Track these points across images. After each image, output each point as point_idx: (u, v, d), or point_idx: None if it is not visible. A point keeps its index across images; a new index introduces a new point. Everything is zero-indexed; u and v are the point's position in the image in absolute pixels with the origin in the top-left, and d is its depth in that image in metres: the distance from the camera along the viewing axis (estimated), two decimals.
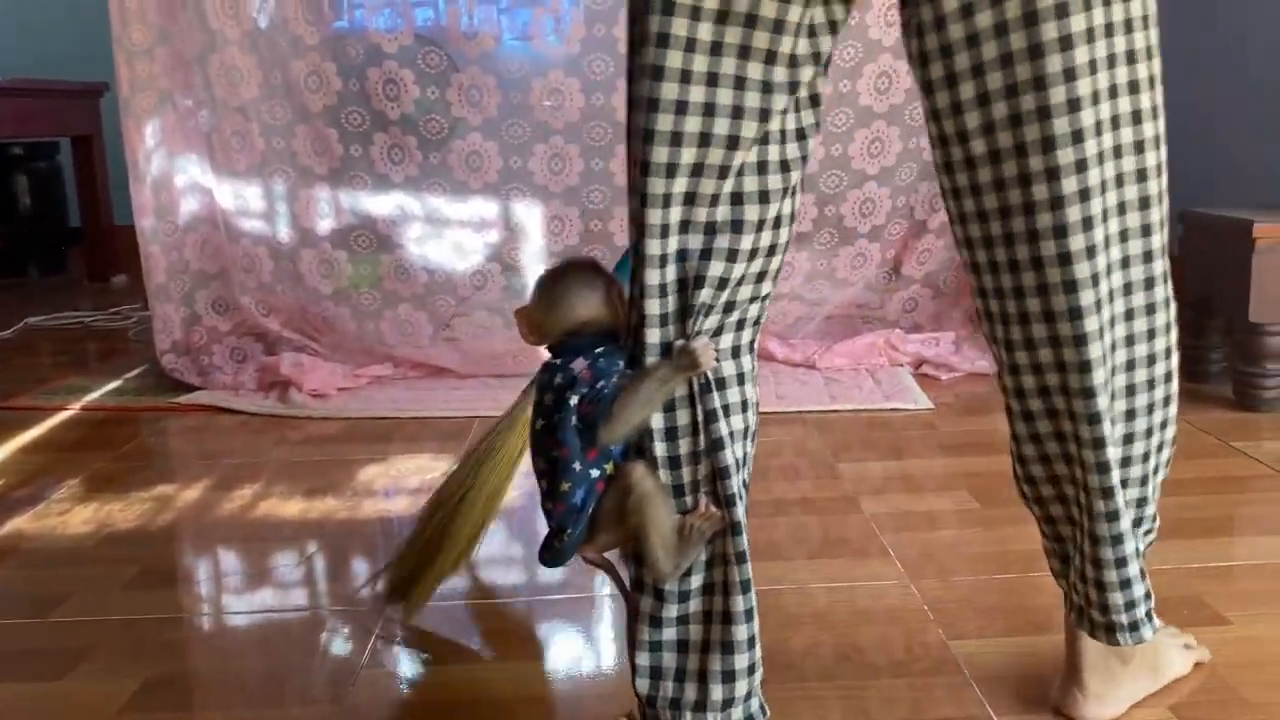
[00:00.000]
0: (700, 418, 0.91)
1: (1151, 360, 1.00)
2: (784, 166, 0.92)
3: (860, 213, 2.55)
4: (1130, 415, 1.00)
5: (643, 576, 0.94)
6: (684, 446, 0.91)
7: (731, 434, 0.92)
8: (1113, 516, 0.99)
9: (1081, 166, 0.89)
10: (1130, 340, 0.98)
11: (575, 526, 0.88)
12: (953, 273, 2.65)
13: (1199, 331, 2.31)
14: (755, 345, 0.97)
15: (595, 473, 0.88)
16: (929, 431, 2.10)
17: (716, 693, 0.93)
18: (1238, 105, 2.71)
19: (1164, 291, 0.99)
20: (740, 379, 0.94)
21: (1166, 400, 1.03)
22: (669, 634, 0.94)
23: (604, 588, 1.45)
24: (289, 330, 2.54)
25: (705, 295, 0.91)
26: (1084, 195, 0.90)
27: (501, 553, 1.60)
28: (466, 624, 1.39)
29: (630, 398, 0.85)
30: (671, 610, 0.93)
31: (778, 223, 0.94)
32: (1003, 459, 1.90)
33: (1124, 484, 1.00)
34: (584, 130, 2.44)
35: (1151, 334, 0.99)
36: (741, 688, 0.94)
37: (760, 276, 0.94)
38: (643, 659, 0.94)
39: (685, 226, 0.90)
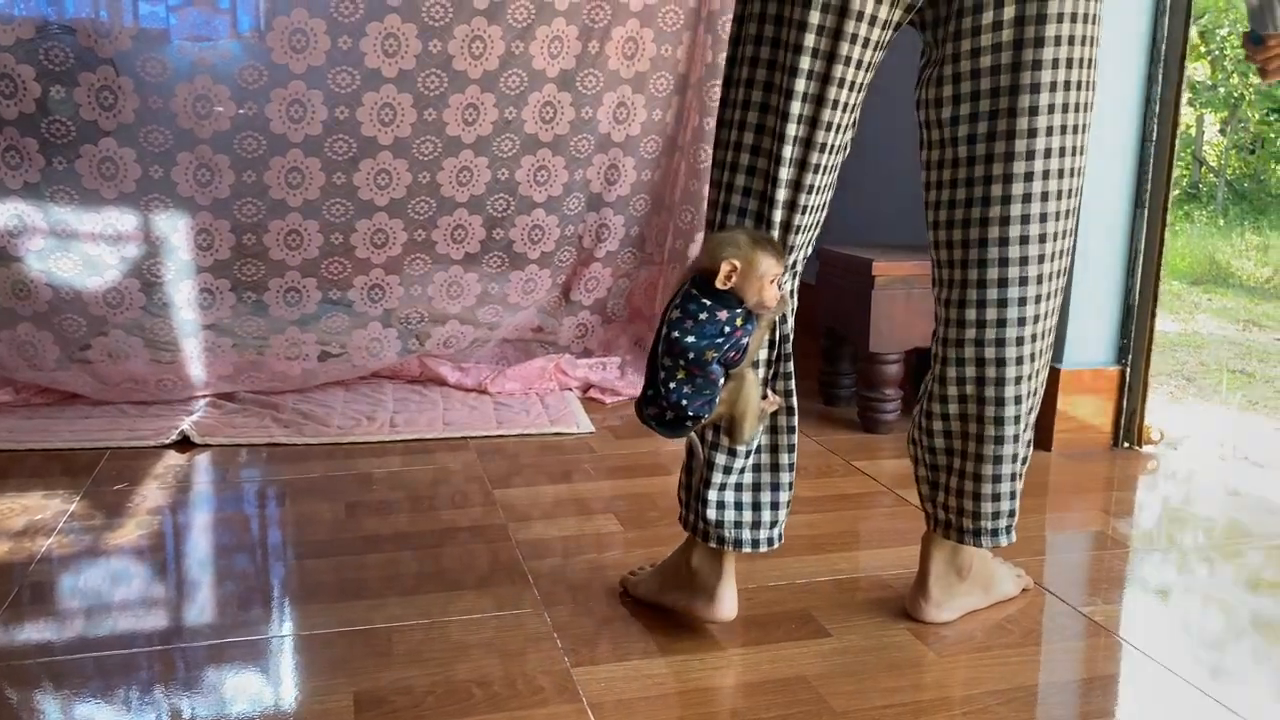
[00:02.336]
0: (777, 338, 1.31)
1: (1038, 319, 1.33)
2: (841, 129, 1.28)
3: (529, 239, 2.57)
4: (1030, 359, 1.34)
5: (719, 441, 1.32)
6: (762, 354, 1.30)
7: (790, 348, 1.34)
8: (999, 441, 1.33)
9: (1029, 178, 1.26)
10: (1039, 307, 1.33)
11: (709, 412, 1.21)
12: (622, 299, 2.72)
13: (832, 358, 2.50)
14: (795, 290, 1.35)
15: (725, 380, 1.21)
16: (587, 455, 2.14)
17: (765, 515, 1.36)
18: (869, 150, 2.97)
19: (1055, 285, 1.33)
20: (792, 311, 1.33)
21: (1041, 354, 1.35)
22: (734, 479, 1.34)
23: (272, 630, 1.35)
24: None
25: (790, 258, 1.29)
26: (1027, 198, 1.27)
27: (141, 596, 1.46)
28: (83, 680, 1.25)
29: (755, 341, 1.22)
30: (740, 463, 1.34)
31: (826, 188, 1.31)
32: (651, 481, 1.98)
33: (1015, 419, 1.33)
34: (235, 140, 2.30)
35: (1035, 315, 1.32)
36: (781, 514, 1.37)
37: (810, 242, 1.32)
38: (713, 495, 1.34)
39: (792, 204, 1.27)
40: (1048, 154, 1.25)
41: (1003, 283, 1.30)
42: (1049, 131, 1.24)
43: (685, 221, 2.56)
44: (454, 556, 1.63)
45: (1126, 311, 2.19)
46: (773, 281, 1.17)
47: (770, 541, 1.36)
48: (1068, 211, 1.30)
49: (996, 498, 1.35)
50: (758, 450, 1.35)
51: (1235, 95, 9.40)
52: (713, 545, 1.35)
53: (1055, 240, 1.30)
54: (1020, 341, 1.31)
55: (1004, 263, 1.29)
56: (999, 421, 1.33)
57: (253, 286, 2.41)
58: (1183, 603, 1.54)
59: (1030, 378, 1.33)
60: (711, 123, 2.49)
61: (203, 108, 2.26)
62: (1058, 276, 1.32)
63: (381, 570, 1.57)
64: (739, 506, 1.35)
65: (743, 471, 1.35)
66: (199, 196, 2.32)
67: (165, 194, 2.30)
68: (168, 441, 2.14)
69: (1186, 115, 10.09)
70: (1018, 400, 1.32)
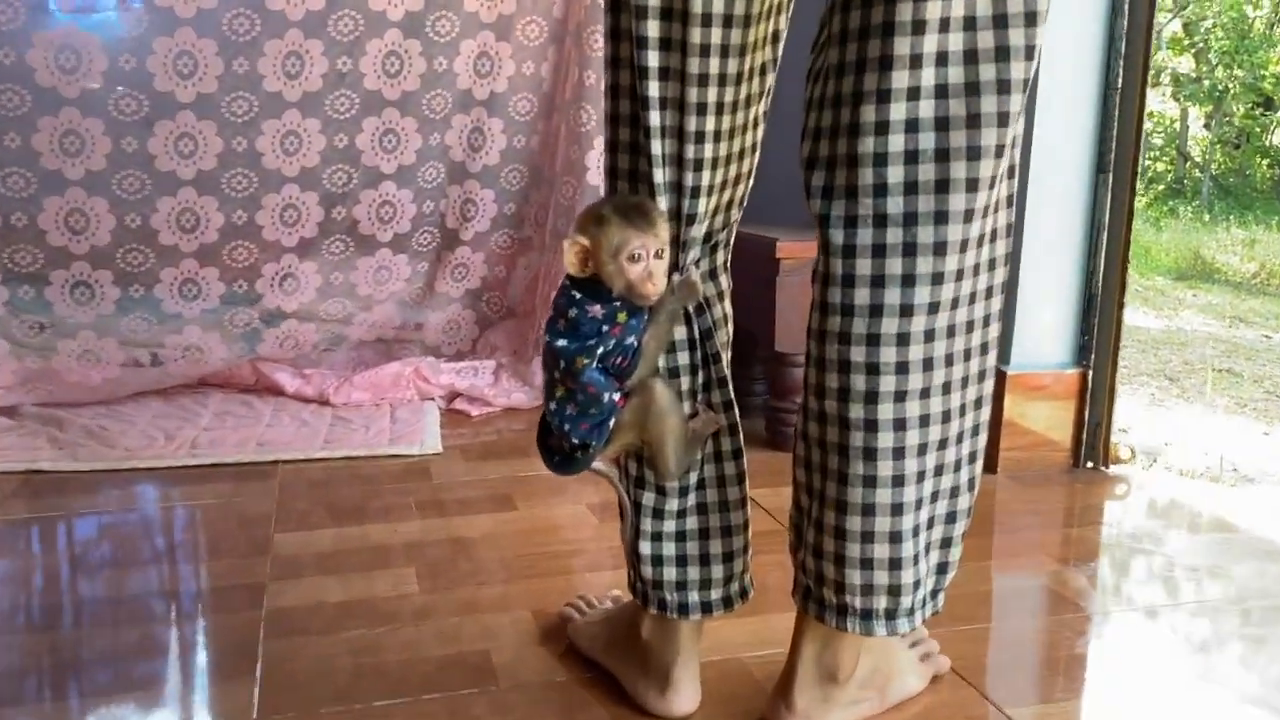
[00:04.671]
0: (697, 335, 0.98)
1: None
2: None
3: (378, 218, 2.15)
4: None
5: (644, 475, 1.00)
6: (683, 359, 0.99)
7: (721, 346, 0.99)
8: (870, 482, 0.90)
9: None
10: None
11: (600, 440, 0.94)
12: (499, 291, 2.30)
13: (743, 360, 2.09)
14: (727, 265, 1.02)
15: (616, 396, 0.93)
16: (419, 484, 1.72)
17: (718, 571, 1.02)
18: (772, 117, 2.57)
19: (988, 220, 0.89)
20: (720, 297, 1.00)
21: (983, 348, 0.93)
22: (669, 525, 1.02)
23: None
24: None
25: (694, 229, 0.96)
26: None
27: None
28: None
29: (654, 340, 0.93)
30: (673, 504, 1.01)
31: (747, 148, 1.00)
32: (478, 520, 1.57)
33: (899, 453, 0.90)
34: None
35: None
36: (738, 565, 1.03)
37: (729, 204, 0.99)
38: (645, 548, 1.02)
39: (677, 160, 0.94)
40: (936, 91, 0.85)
41: (879, 250, 0.87)
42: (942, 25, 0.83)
43: (566, 196, 2.14)
44: (177, 634, 1.21)
45: (1089, 301, 1.77)
46: (637, 259, 0.87)
47: (728, 601, 1.03)
48: (995, 148, 0.86)
49: (868, 564, 0.92)
50: (699, 486, 1.01)
51: (1220, 88, 9.16)
52: (654, 611, 1.03)
53: (970, 192, 0.86)
54: (904, 340, 0.88)
55: (880, 222, 0.87)
56: (869, 455, 0.90)
57: (28, 279, 1.98)
58: (1154, 695, 1.12)
59: (934, 394, 0.90)
60: (594, 76, 2.07)
61: None
62: (979, 245, 0.88)
63: (75, 654, 1.14)
64: (681, 561, 1.03)
65: (682, 516, 1.02)
66: None
67: None
68: None
69: (1171, 110, 9.80)
70: (902, 426, 0.89)
